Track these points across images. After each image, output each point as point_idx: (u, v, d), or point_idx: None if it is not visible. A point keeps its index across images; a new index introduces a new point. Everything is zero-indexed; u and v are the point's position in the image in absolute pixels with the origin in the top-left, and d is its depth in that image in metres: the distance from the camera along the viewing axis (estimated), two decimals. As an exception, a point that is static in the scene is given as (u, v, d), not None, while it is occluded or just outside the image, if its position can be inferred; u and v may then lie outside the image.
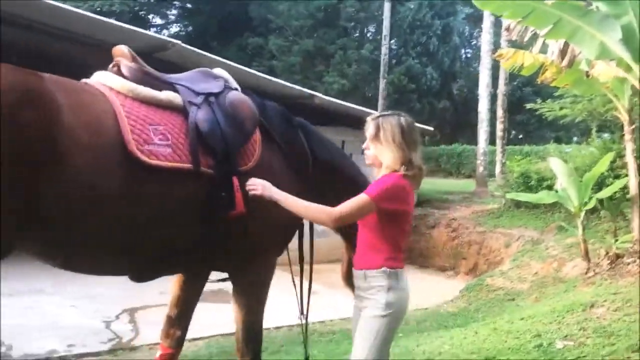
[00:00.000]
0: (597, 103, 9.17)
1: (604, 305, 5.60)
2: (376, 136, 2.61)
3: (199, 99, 2.78)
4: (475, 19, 31.97)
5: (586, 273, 7.06)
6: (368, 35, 30.13)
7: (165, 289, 8.19)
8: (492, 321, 6.02)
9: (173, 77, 2.91)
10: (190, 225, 2.64)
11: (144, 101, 2.61)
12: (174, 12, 34.25)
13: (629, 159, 7.01)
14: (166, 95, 2.72)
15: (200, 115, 2.70)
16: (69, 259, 2.51)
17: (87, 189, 2.25)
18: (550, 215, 10.27)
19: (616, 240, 6.98)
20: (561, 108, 10.60)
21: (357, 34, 29.07)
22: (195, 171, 2.58)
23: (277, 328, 6.37)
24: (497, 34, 16.00)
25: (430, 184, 16.80)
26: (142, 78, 2.72)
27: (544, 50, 7.06)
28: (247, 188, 2.64)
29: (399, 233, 2.63)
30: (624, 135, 7.32)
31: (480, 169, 14.84)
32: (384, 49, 21.08)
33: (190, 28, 32.80)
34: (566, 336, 4.95)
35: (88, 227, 2.34)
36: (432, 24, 25.28)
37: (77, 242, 2.38)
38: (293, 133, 3.19)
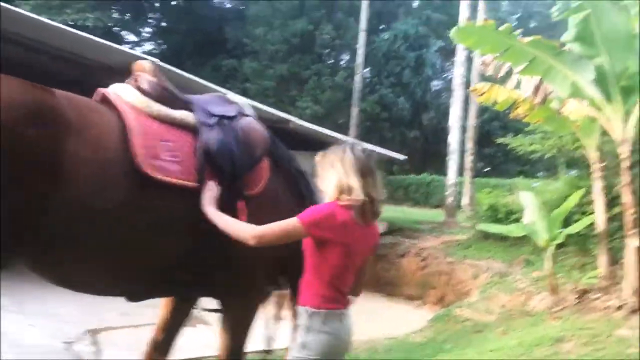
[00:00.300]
0: (566, 140, 9.40)
1: (572, 340, 5.65)
2: (319, 163, 2.51)
3: (212, 120, 2.81)
4: (447, 52, 32.75)
5: (553, 307, 7.13)
6: (342, 63, 30.48)
7: (126, 310, 8.05)
8: (461, 353, 6.03)
9: (190, 97, 2.94)
10: (191, 244, 2.62)
11: (157, 118, 2.64)
12: (149, 29, 34.15)
13: (597, 196, 7.17)
14: (180, 114, 2.75)
15: (211, 136, 2.73)
16: (68, 276, 2.50)
17: (90, 205, 2.25)
18: (518, 248, 10.38)
19: (582, 276, 7.09)
20: (531, 144, 10.84)
21: (332, 61, 29.38)
22: (200, 190, 2.57)
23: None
24: (468, 68, 16.32)
25: (400, 212, 16.90)
26: (160, 93, 2.75)
27: (517, 86, 7.22)
28: (251, 192, 2.76)
29: (331, 268, 2.35)
30: (590, 172, 7.49)
31: (450, 199, 15.01)
32: (358, 77, 21.35)
33: (164, 46, 32.70)
34: (536, 371, 4.98)
35: (89, 243, 2.33)
36: (405, 56, 25.72)
37: (77, 259, 2.36)
38: (297, 163, 3.20)
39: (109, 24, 28.84)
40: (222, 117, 2.89)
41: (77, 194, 2.22)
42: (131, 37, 33.35)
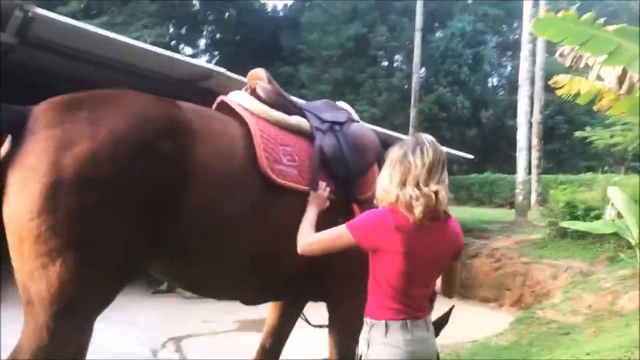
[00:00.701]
0: (652, 130, 8.96)
1: (676, 342, 5.35)
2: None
3: (324, 126, 2.88)
4: (502, 48, 32.07)
5: (647, 307, 6.78)
6: (397, 64, 30.26)
7: (207, 318, 8.21)
8: (552, 356, 5.79)
9: (301, 103, 3.05)
10: None
11: (275, 123, 2.72)
12: (203, 41, 34.96)
13: (691, 187, 6.78)
14: (296, 119, 2.82)
15: (326, 141, 2.79)
16: (199, 284, 2.61)
17: (220, 212, 2.32)
18: (599, 246, 9.97)
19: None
20: (612, 136, 10.39)
21: (386, 63, 29.19)
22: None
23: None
24: (533, 62, 15.85)
25: (465, 212, 16.55)
26: (276, 99, 2.84)
27: (598, 77, 6.90)
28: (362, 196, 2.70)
29: (389, 277, 2.15)
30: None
31: (520, 197, 14.52)
32: (415, 77, 21.08)
33: (218, 57, 33.38)
34: (640, 373, 4.72)
35: (219, 250, 2.39)
36: (463, 53, 25.29)
37: (207, 266, 2.44)
38: None
39: (167, 38, 29.71)
40: (333, 122, 2.94)
41: (207, 203, 2.29)
42: (187, 50, 34.25)
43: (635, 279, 8.27)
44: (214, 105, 2.93)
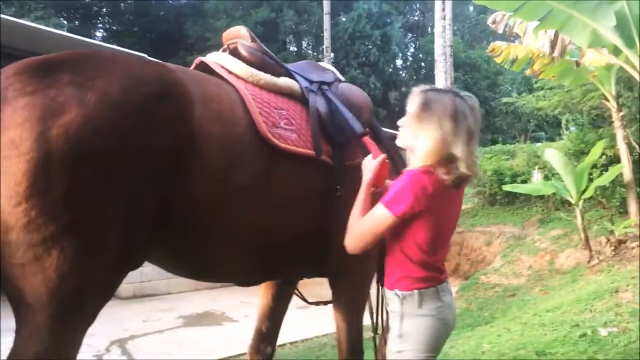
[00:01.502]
0: (576, 94, 9.35)
1: (628, 290, 5.58)
2: (419, 114, 1.95)
3: (314, 87, 2.63)
4: (406, 29, 32.85)
5: (589, 261, 7.07)
6: (306, 48, 30.15)
7: (148, 317, 7.75)
8: (515, 317, 5.89)
9: (290, 66, 2.74)
10: (309, 217, 2.43)
11: (264, 86, 2.44)
12: (100, 34, 33.15)
13: (621, 145, 7.11)
14: (284, 81, 2.54)
15: (320, 102, 2.56)
16: (204, 264, 2.29)
17: (223, 181, 2.06)
18: (527, 210, 10.36)
19: (612, 227, 7.04)
20: (537, 101, 10.77)
21: (296, 47, 29.03)
22: (317, 159, 2.39)
23: (292, 343, 6.06)
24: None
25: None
26: (262, 60, 2.55)
27: (531, 42, 7.08)
28: (352, 162, 2.40)
29: (420, 244, 1.98)
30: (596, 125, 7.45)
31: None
32: (326, 61, 21.06)
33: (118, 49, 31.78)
34: (605, 323, 4.85)
35: (223, 223, 2.12)
36: (371, 34, 25.57)
37: (213, 243, 2.16)
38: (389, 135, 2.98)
39: (66, 30, 27.95)
40: (321, 83, 2.71)
41: (212, 173, 2.03)
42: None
43: (567, 238, 8.65)
44: (192, 67, 2.59)
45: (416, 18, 35.12)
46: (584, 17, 6.11)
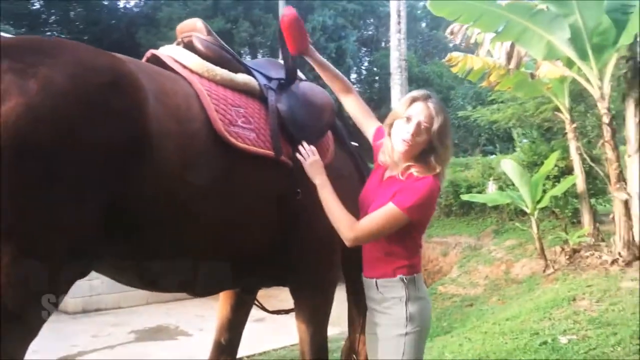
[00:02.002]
0: (529, 106, 9.53)
1: (585, 298, 5.65)
2: (443, 124, 2.04)
3: (273, 84, 2.47)
4: (360, 43, 33.16)
5: (544, 270, 7.16)
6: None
7: (97, 332, 7.45)
8: (474, 326, 5.89)
9: (248, 62, 2.58)
10: (269, 221, 2.29)
11: (221, 83, 2.27)
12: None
13: (574, 157, 7.26)
14: (242, 78, 2.37)
15: (280, 101, 2.41)
16: (159, 273, 2.09)
17: (178, 182, 1.89)
18: (482, 221, 10.48)
19: (567, 237, 7.15)
20: (492, 114, 10.94)
21: (251, 59, 28.87)
22: (277, 160, 2.24)
23: (249, 357, 5.90)
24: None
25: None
26: (219, 55, 2.37)
27: (489, 54, 7.18)
28: (298, 154, 2.30)
29: (419, 235, 2.20)
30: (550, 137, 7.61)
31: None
32: (282, 73, 20.98)
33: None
34: (565, 331, 4.89)
35: (181, 225, 1.96)
36: (326, 47, 25.63)
37: (168, 250, 1.97)
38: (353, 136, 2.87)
39: (8, 38, 26.96)
40: (281, 80, 2.55)
41: (167, 172, 1.86)
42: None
43: (522, 248, 8.77)
44: (144, 60, 2.37)
45: (370, 32, 35.45)
46: (540, 29, 6.23)
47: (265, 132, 2.28)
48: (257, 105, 2.36)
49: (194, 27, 2.45)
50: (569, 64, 6.64)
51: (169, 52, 2.33)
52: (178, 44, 2.44)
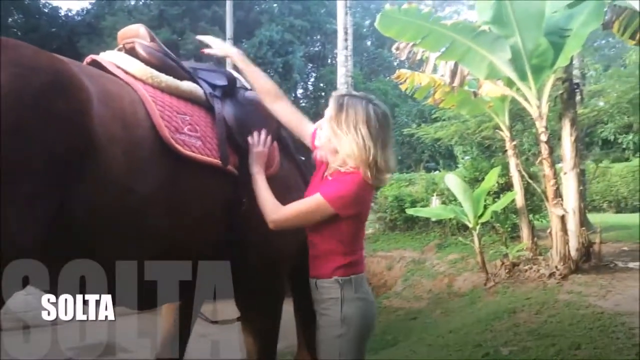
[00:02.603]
0: (470, 124, 9.81)
1: (524, 310, 5.81)
2: (336, 117, 2.06)
3: (218, 92, 2.42)
4: (307, 59, 33.44)
5: (485, 284, 7.33)
6: (207, 72, 29.76)
7: (32, 350, 7.14)
8: (419, 339, 5.96)
9: (189, 64, 2.50)
10: (214, 231, 2.24)
11: (165, 89, 2.20)
12: None
13: (514, 173, 7.50)
14: (187, 85, 2.32)
15: (226, 109, 2.37)
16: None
17: (123, 188, 1.83)
18: (426, 235, 10.67)
19: (507, 251, 7.37)
20: (436, 131, 11.19)
21: (196, 71, 28.56)
22: (223, 169, 2.20)
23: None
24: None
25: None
26: (163, 61, 2.29)
27: (434, 71, 7.36)
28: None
29: (350, 235, 2.16)
30: (490, 155, 7.87)
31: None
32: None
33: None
34: (506, 342, 5.01)
35: (122, 235, 1.89)
36: (273, 61, 25.74)
37: (110, 256, 1.87)
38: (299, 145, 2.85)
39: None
40: (225, 88, 2.49)
41: (112, 179, 1.80)
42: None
43: (464, 262, 8.98)
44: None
45: (317, 49, 35.83)
46: (483, 50, 6.44)
47: (212, 140, 2.24)
48: (203, 113, 2.31)
49: (137, 33, 2.36)
50: (509, 83, 6.88)
51: (110, 58, 2.24)
52: (120, 50, 2.36)
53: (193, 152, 2.08)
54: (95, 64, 2.22)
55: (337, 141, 2.08)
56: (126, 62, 2.21)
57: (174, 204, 2.04)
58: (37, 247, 1.62)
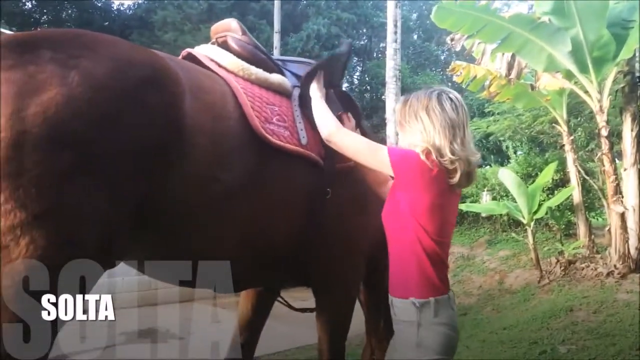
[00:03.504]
0: (525, 118, 9.59)
1: (582, 309, 5.68)
2: (401, 111, 2.04)
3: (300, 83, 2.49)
4: (353, 52, 33.32)
5: (539, 281, 7.19)
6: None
7: (86, 333, 7.36)
8: (471, 334, 5.88)
9: (278, 58, 2.60)
10: (298, 220, 2.28)
11: (256, 82, 2.29)
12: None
13: (571, 168, 7.32)
14: (276, 77, 2.40)
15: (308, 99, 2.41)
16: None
17: (211, 178, 1.90)
18: (475, 231, 10.51)
19: (562, 248, 7.20)
20: (488, 126, 10.98)
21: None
22: (310, 159, 2.26)
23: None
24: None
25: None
26: (254, 54, 2.40)
27: (490, 64, 7.21)
28: (343, 165, 2.31)
29: (429, 246, 1.93)
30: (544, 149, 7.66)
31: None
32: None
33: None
34: (563, 341, 4.90)
35: (211, 224, 1.96)
36: (320, 55, 25.70)
37: (198, 246, 1.97)
38: None
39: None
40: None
41: (201, 169, 1.87)
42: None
43: (515, 259, 8.81)
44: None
45: (363, 42, 35.62)
46: (541, 42, 6.29)
47: (297, 130, 2.29)
48: (290, 104, 2.39)
49: (229, 27, 2.50)
50: (569, 76, 6.70)
51: (204, 52, 2.37)
52: (212, 44, 2.49)
53: (281, 141, 2.14)
54: (191, 57, 2.36)
55: (402, 134, 2.06)
56: (219, 55, 2.33)
57: (260, 191, 2.09)
58: (124, 231, 1.69)
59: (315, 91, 2.32)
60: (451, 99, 2.00)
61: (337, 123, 2.16)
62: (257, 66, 2.36)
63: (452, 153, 1.90)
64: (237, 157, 2.01)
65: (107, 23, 29.95)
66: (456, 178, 1.91)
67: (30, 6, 30.29)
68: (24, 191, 1.45)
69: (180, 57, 2.41)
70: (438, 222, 1.94)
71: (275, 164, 2.14)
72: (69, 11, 31.21)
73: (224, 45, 2.43)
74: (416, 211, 1.93)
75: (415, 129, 1.98)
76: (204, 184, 1.88)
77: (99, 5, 31.27)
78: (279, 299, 2.89)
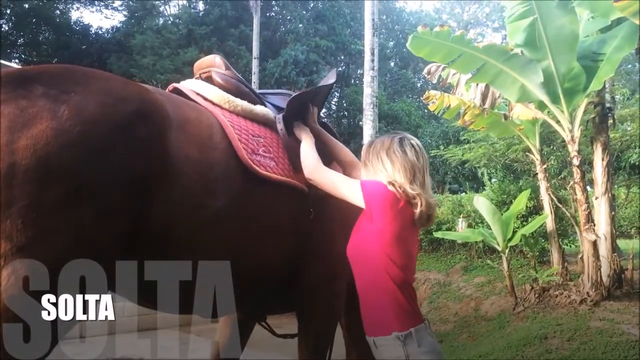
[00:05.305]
0: (499, 146, 9.75)
1: (556, 337, 5.72)
2: (365, 153, 2.21)
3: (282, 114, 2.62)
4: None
5: (514, 308, 7.23)
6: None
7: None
8: (447, 363, 5.87)
9: (259, 91, 2.75)
10: (284, 247, 2.40)
11: (240, 114, 2.42)
12: (15, 65, 31.69)
13: (544, 196, 7.43)
14: (260, 109, 2.53)
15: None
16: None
17: (197, 207, 1.99)
18: (451, 257, 10.56)
19: (536, 275, 7.26)
20: (463, 153, 11.13)
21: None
22: (295, 187, 2.38)
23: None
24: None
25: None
26: (238, 86, 2.54)
27: (463, 94, 7.35)
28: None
29: (398, 259, 1.99)
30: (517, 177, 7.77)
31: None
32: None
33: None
34: (538, 369, 4.93)
35: (199, 248, 2.02)
36: (297, 81, 25.91)
37: (185, 270, 1.99)
38: None
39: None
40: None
41: (187, 198, 1.95)
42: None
43: (491, 286, 8.86)
44: None
45: (341, 69, 36.01)
46: (514, 73, 6.43)
47: (284, 160, 2.41)
48: (274, 135, 2.50)
49: (212, 63, 2.63)
50: (541, 106, 6.85)
51: (190, 86, 2.50)
52: (197, 79, 2.62)
53: (268, 172, 2.26)
54: (177, 92, 2.48)
55: (366, 173, 2.19)
56: (205, 89, 2.46)
57: (248, 221, 2.18)
58: (114, 256, 1.73)
59: (305, 129, 2.45)
60: (412, 145, 2.13)
61: (318, 161, 2.26)
62: (242, 99, 2.48)
63: (412, 190, 2.01)
64: (223, 186, 2.09)
65: (84, 46, 29.88)
66: (417, 213, 2.02)
67: (7, 28, 30.07)
68: (13, 222, 1.50)
69: (167, 90, 2.53)
70: (403, 252, 2.01)
71: (261, 192, 2.24)
72: (46, 34, 31.08)
73: (209, 80, 2.55)
74: (383, 241, 1.99)
75: (376, 169, 2.11)
76: (191, 210, 1.95)
77: (77, 29, 31.17)
78: (263, 323, 2.92)
